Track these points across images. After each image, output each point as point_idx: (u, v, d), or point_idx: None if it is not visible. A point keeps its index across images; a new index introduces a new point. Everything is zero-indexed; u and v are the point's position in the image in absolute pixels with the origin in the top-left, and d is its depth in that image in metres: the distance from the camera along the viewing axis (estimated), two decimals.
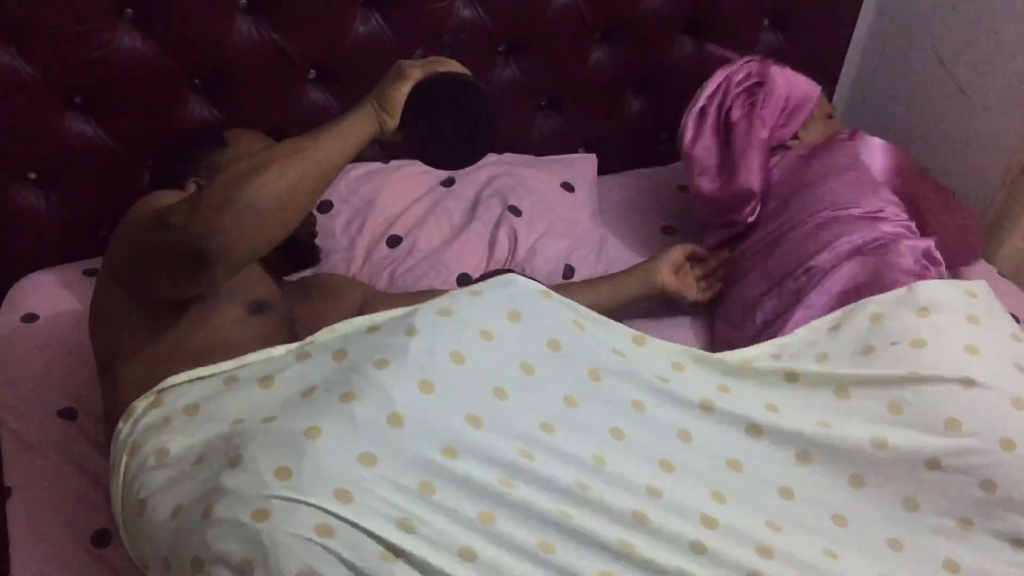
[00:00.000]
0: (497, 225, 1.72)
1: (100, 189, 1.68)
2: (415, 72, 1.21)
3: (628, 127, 2.09)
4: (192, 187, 1.41)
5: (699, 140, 1.74)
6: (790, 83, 1.75)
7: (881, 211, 1.56)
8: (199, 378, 1.15)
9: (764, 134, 1.69)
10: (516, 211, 1.73)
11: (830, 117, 1.88)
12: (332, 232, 1.69)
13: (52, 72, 1.54)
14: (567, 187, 1.85)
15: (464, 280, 1.65)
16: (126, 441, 1.14)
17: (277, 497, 0.98)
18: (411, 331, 1.14)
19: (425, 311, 1.18)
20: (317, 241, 1.60)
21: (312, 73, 1.75)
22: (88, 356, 1.47)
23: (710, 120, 1.74)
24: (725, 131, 1.73)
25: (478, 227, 1.71)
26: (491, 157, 1.87)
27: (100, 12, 1.52)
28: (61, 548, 1.26)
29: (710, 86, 1.76)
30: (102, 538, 1.28)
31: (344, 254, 1.67)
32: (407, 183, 1.77)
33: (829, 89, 2.20)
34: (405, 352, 1.11)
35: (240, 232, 1.04)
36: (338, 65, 1.74)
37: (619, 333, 1.29)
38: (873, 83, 2.26)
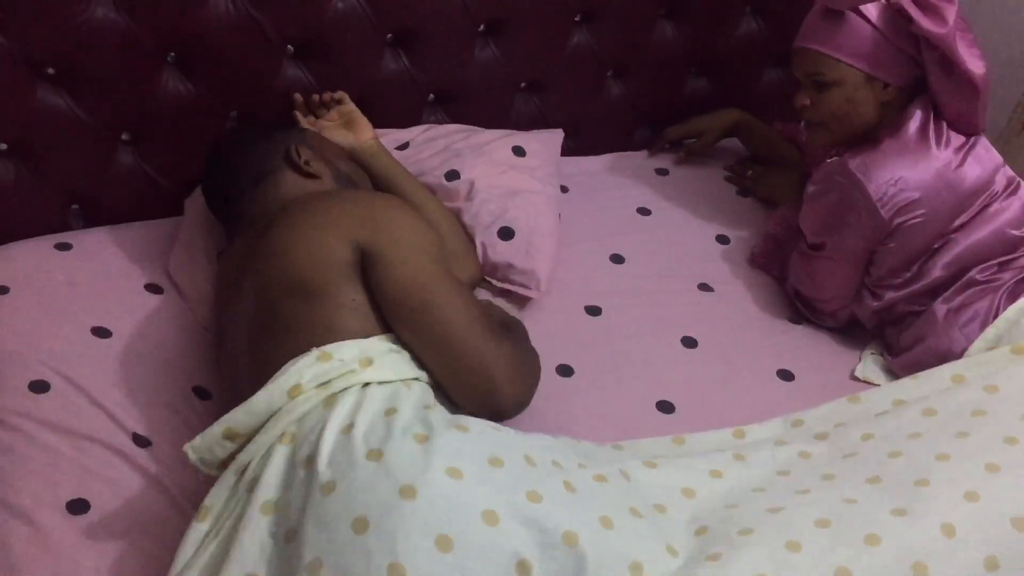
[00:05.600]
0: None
1: (72, 162, 1.67)
2: None
3: (608, 111, 2.09)
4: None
5: None
6: None
7: None
8: None
9: None
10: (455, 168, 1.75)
11: None
12: None
13: (24, 43, 1.52)
14: (518, 151, 1.82)
15: None
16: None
17: None
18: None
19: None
20: None
21: (290, 49, 1.74)
22: (61, 327, 1.47)
23: None
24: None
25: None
26: (452, 126, 1.89)
27: None
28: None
29: None
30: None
31: None
32: None
33: None
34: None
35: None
36: (316, 41, 1.73)
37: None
38: None
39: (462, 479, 1.11)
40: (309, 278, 1.29)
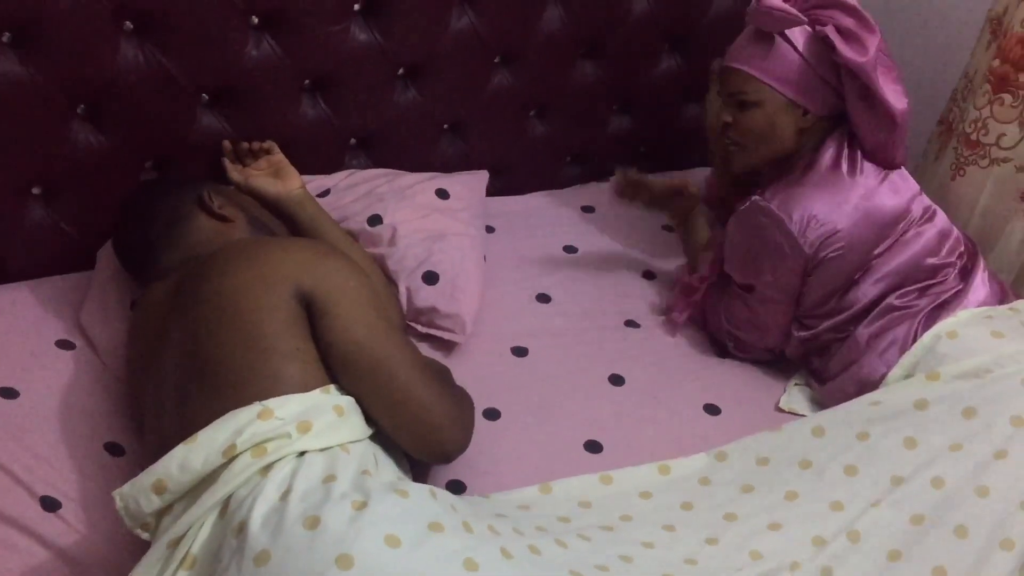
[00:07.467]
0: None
1: None
2: None
3: (532, 150, 2.09)
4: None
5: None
6: None
7: None
8: None
9: None
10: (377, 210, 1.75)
11: None
12: None
13: None
14: (441, 194, 1.82)
15: None
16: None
17: None
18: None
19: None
20: None
21: (204, 97, 1.72)
22: None
23: None
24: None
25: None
26: (375, 171, 1.89)
27: None
28: None
29: None
30: None
31: None
32: None
33: None
34: None
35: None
36: (232, 89, 1.71)
37: None
38: None
39: (400, 547, 1.09)
40: (254, 326, 1.27)
